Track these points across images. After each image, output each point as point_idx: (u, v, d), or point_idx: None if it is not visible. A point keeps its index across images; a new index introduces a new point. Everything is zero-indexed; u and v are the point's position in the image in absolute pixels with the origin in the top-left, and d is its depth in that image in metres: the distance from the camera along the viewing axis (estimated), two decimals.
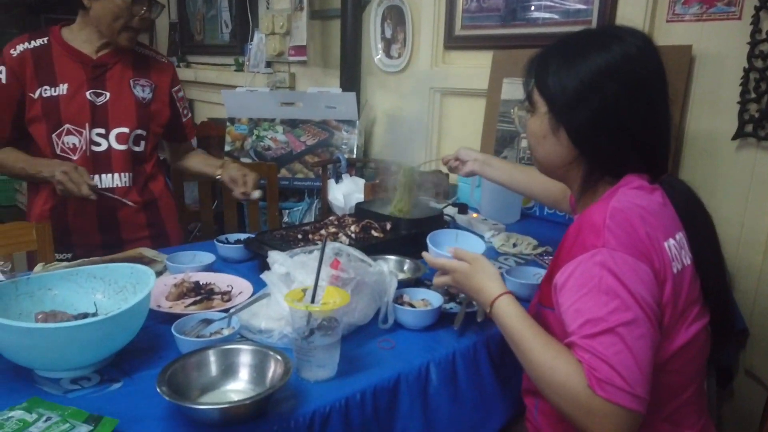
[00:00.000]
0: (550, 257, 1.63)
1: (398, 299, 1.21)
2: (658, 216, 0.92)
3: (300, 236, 1.51)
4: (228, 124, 2.99)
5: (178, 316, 1.13)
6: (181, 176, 2.26)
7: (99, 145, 1.67)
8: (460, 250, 1.09)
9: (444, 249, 1.21)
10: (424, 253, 1.18)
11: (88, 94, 1.64)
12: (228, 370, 0.94)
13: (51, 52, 1.64)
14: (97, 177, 1.67)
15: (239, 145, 2.97)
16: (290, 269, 1.13)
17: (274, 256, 1.18)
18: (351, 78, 2.94)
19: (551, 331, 0.97)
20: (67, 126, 1.63)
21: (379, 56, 2.88)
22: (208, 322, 1.08)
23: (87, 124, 1.64)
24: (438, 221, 1.69)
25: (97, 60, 1.66)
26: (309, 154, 2.87)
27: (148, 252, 1.56)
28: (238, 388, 0.93)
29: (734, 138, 1.68)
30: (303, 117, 2.89)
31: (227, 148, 2.95)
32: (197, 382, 0.92)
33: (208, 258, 1.46)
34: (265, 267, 1.49)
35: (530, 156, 2.24)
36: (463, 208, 2.03)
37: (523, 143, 2.26)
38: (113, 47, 1.67)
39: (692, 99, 1.79)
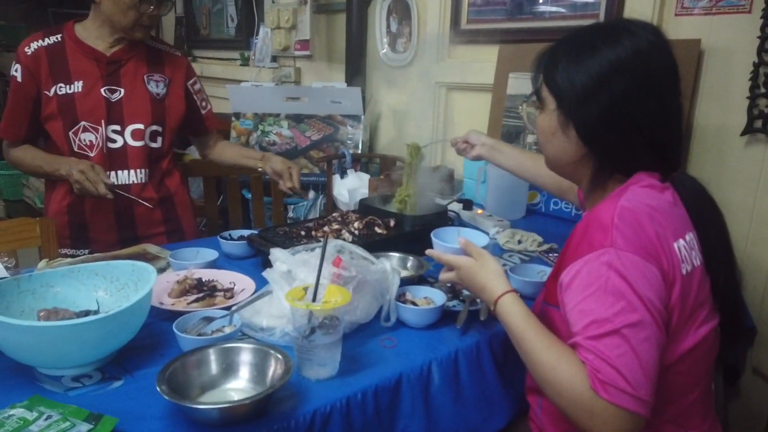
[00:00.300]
0: (556, 254, 1.62)
1: (401, 297, 1.20)
2: (668, 216, 0.91)
3: (303, 233, 1.50)
4: (233, 119, 2.99)
5: (180, 314, 1.13)
6: (187, 171, 2.25)
7: (115, 141, 1.67)
8: (470, 242, 1.08)
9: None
10: (429, 250, 1.17)
11: (102, 90, 1.64)
12: (228, 369, 0.94)
13: (65, 50, 1.64)
14: (113, 173, 1.67)
15: (244, 140, 2.96)
16: (292, 267, 1.12)
17: (276, 254, 1.18)
18: (356, 73, 2.92)
19: (556, 330, 0.96)
20: (83, 123, 1.63)
21: (384, 50, 2.86)
22: (209, 319, 1.07)
23: (102, 121, 1.64)
24: (442, 218, 1.68)
25: (110, 56, 1.66)
26: (314, 150, 2.86)
27: (152, 248, 1.56)
28: (239, 386, 0.93)
29: (743, 134, 1.65)
30: (308, 112, 2.88)
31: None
32: (197, 381, 0.91)
33: (211, 255, 1.45)
34: (268, 264, 1.48)
35: (537, 151, 2.23)
36: (467, 204, 2.01)
37: (529, 138, 2.24)
38: (126, 43, 1.66)
39: (701, 94, 1.77)
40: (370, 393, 0.96)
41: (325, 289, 1.02)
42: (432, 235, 1.22)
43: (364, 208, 1.71)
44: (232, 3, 3.92)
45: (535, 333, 0.93)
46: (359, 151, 2.84)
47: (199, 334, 1.04)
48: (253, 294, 1.24)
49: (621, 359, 0.80)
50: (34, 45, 1.63)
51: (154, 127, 1.72)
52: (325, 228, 1.51)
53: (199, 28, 4.35)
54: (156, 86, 1.72)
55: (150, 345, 1.07)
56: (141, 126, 1.69)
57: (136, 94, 1.69)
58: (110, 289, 1.13)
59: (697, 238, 0.96)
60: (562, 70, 0.96)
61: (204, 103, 1.88)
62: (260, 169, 1.81)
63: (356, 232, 1.51)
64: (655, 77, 0.92)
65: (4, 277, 1.27)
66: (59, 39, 1.65)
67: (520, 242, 1.71)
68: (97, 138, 1.64)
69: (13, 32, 5.18)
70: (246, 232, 1.62)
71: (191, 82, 1.82)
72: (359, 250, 1.20)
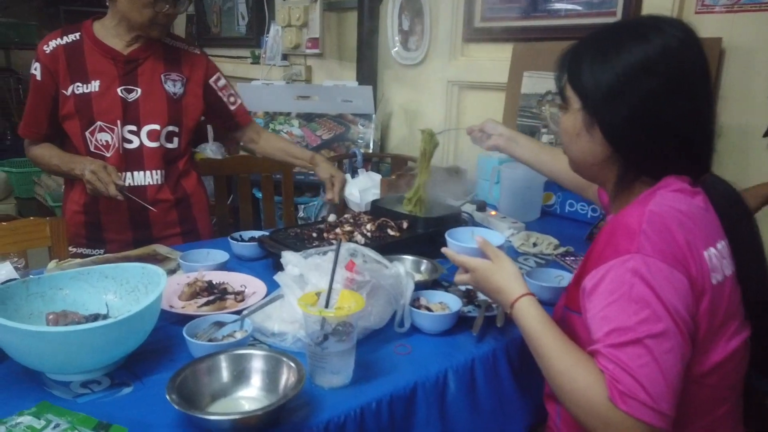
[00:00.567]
0: (572, 258, 1.59)
1: (415, 302, 1.18)
2: (698, 223, 0.87)
3: (315, 234, 1.48)
4: None
5: (190, 317, 1.11)
6: (197, 170, 2.24)
7: (131, 142, 1.65)
8: (488, 243, 1.06)
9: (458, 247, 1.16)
10: (444, 249, 1.14)
11: (119, 90, 1.62)
12: (240, 376, 0.92)
13: (83, 48, 1.62)
14: (129, 174, 1.65)
15: (237, 139, 2.94)
16: (304, 271, 1.10)
17: (288, 257, 1.15)
18: (367, 71, 2.90)
19: (577, 337, 0.93)
20: (99, 123, 1.61)
21: (396, 49, 2.83)
22: (220, 324, 1.05)
23: (119, 121, 1.62)
24: (456, 220, 1.65)
25: (128, 56, 1.64)
26: (325, 149, 2.84)
27: (162, 249, 1.54)
28: (250, 395, 0.90)
29: (765, 135, 1.61)
30: (319, 111, 2.85)
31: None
32: (208, 388, 0.89)
33: (222, 256, 1.43)
34: (279, 266, 1.46)
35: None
36: (481, 206, 1.98)
37: (544, 138, 2.20)
38: (144, 41, 1.64)
39: (722, 93, 1.73)
40: (385, 402, 0.94)
41: (338, 294, 0.99)
42: (446, 234, 1.19)
43: (376, 209, 1.68)
44: (243, 1, 3.91)
45: (552, 338, 0.90)
46: (370, 151, 2.82)
47: (210, 340, 1.01)
48: (264, 298, 1.22)
49: (642, 370, 0.78)
50: (53, 43, 1.61)
51: (171, 128, 1.70)
52: (337, 230, 1.49)
53: (209, 26, 4.34)
54: (173, 86, 1.70)
55: (160, 349, 1.05)
56: (157, 127, 1.67)
57: (153, 94, 1.67)
58: (120, 292, 1.11)
59: (729, 246, 0.92)
60: (587, 68, 0.93)
61: (232, 98, 1.84)
62: (311, 170, 1.83)
63: (368, 234, 1.49)
64: (685, 76, 0.89)
65: (14, 279, 1.26)
66: (77, 37, 1.63)
67: (535, 245, 1.68)
68: (113, 138, 1.63)
69: (25, 30, 5.19)
70: (257, 234, 1.60)
71: (213, 78, 1.78)
72: (372, 254, 1.17)
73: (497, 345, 1.12)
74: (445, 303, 1.20)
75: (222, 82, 1.81)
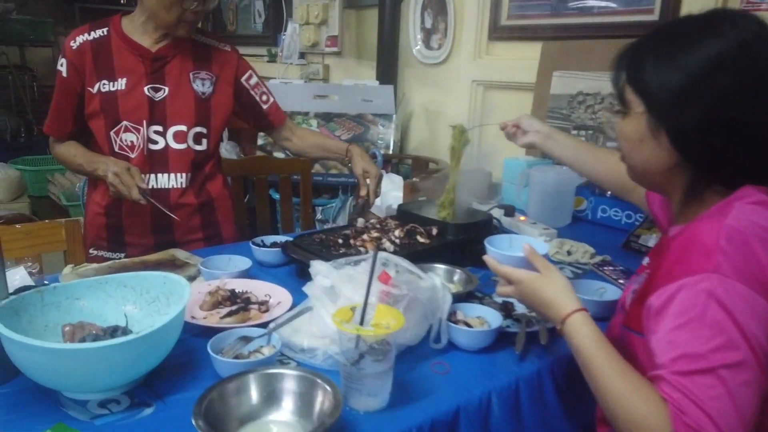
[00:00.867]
0: (611, 268, 1.51)
1: (451, 316, 1.10)
2: None
3: (341, 241, 1.41)
4: None
5: (213, 330, 1.05)
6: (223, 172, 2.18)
7: (156, 143, 1.59)
8: (535, 252, 0.98)
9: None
10: (485, 257, 1.06)
11: (146, 89, 1.56)
12: (270, 398, 0.85)
13: (110, 45, 1.56)
14: (153, 177, 1.59)
15: (271, 139, 2.88)
16: (336, 282, 1.03)
17: (318, 267, 1.08)
18: (388, 70, 2.83)
19: (636, 361, 0.86)
20: (124, 123, 1.55)
21: (418, 47, 2.76)
22: (247, 339, 0.98)
23: (144, 121, 1.56)
24: (487, 226, 1.57)
25: (156, 53, 1.57)
26: None
27: (181, 254, 1.48)
28: (282, 418, 0.83)
29: None
30: (338, 110, 2.79)
31: (260, 141, 2.87)
32: (236, 411, 0.82)
33: (244, 263, 1.37)
34: (304, 273, 1.39)
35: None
36: (509, 211, 1.91)
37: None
38: (172, 38, 1.58)
39: None
40: (426, 428, 0.87)
41: (374, 309, 0.92)
42: (486, 242, 1.11)
43: (403, 214, 1.61)
44: None
45: (608, 359, 0.83)
46: (390, 152, 2.75)
47: (236, 357, 0.94)
48: (290, 309, 1.15)
49: (713, 402, 0.70)
50: (80, 39, 1.55)
51: (198, 129, 1.62)
52: (365, 236, 1.42)
53: (225, 23, 4.29)
54: (202, 84, 1.62)
55: (182, 365, 0.98)
56: (183, 128, 1.60)
57: (181, 93, 1.60)
58: (140, 302, 1.05)
59: None
60: (651, 68, 0.85)
61: (265, 97, 1.77)
62: (348, 164, 1.74)
63: (397, 240, 1.41)
64: (763, 72, 0.80)
65: (28, 285, 1.20)
66: (105, 33, 1.57)
67: (569, 253, 1.60)
68: (138, 139, 1.56)
69: (41, 27, 5.17)
70: (279, 238, 1.53)
71: (245, 77, 1.71)
72: (405, 263, 1.10)
73: (541, 364, 1.04)
74: (484, 317, 1.12)
75: (254, 80, 1.74)
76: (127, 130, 1.55)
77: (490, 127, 2.54)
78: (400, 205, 1.68)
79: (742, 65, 0.79)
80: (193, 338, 1.07)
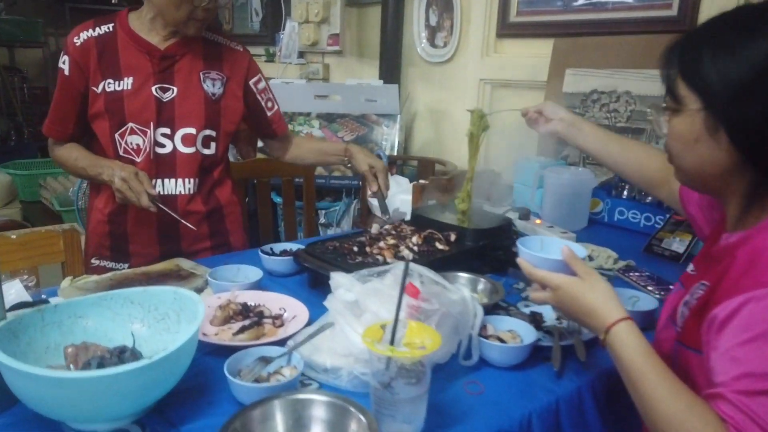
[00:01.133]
0: (637, 274, 1.44)
1: (481, 330, 1.03)
2: None
3: (356, 248, 1.33)
4: None
5: (227, 349, 0.97)
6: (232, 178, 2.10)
7: (163, 146, 1.50)
8: (575, 255, 0.91)
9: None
10: (519, 260, 0.99)
11: (154, 89, 1.47)
12: (297, 426, 0.77)
13: (116, 41, 1.47)
14: (159, 182, 1.51)
15: (267, 147, 2.80)
16: (360, 296, 0.96)
17: (339, 279, 1.01)
18: (391, 69, 2.76)
19: (691, 380, 0.80)
20: (130, 125, 1.46)
21: (422, 45, 2.69)
22: (266, 360, 0.91)
23: (152, 123, 1.47)
24: (507, 231, 1.51)
25: (164, 51, 1.48)
26: None
27: (185, 263, 1.40)
28: None
29: None
30: (340, 111, 2.71)
31: (260, 143, 2.79)
32: None
33: (255, 273, 1.29)
34: (317, 283, 1.33)
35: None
36: (524, 214, 1.84)
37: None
38: (181, 36, 1.49)
39: None
40: None
41: (405, 326, 0.85)
42: (519, 243, 1.04)
43: (417, 219, 1.54)
44: None
45: (658, 375, 0.76)
46: (395, 153, 2.68)
47: (256, 381, 0.87)
48: (307, 324, 1.08)
49: None
50: (84, 35, 1.46)
51: (207, 132, 1.54)
52: (381, 243, 1.34)
53: (221, 22, 4.20)
54: (212, 85, 1.54)
55: (195, 388, 0.91)
56: (192, 131, 1.51)
57: (190, 94, 1.51)
58: (148, 319, 0.97)
59: None
60: (709, 61, 0.78)
61: (270, 104, 1.68)
62: (350, 167, 1.66)
63: (415, 248, 1.34)
64: None
65: (26, 302, 1.12)
66: (111, 29, 1.48)
67: (591, 259, 1.53)
68: (144, 142, 1.48)
69: (31, 28, 5.06)
70: (289, 246, 1.46)
71: (254, 80, 1.62)
72: (430, 274, 1.03)
73: (581, 381, 0.97)
74: (515, 331, 1.05)
75: (262, 84, 1.65)
76: (133, 132, 1.47)
77: (498, 127, 2.48)
78: (413, 210, 1.60)
79: None
80: (204, 357, 0.99)
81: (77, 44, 1.45)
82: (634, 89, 1.92)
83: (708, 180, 0.86)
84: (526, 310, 1.19)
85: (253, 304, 1.16)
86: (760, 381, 0.68)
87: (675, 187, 1.22)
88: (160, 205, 1.38)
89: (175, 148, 1.51)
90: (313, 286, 1.33)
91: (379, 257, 1.28)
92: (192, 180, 1.54)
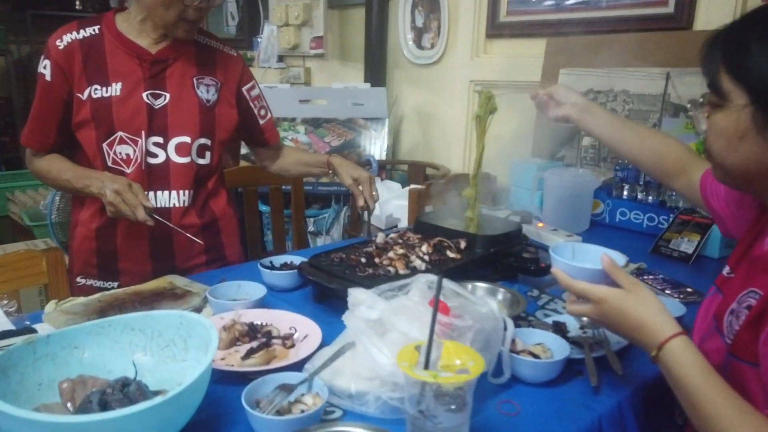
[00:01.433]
0: (650, 277, 1.40)
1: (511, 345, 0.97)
2: None
3: (364, 260, 1.26)
4: None
5: (240, 376, 0.89)
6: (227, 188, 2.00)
7: (156, 156, 1.40)
8: (617, 265, 0.86)
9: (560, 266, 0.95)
10: (555, 270, 0.92)
11: (145, 95, 1.37)
12: None
13: (103, 44, 1.37)
14: (151, 194, 1.41)
15: (255, 157, 2.71)
16: (385, 314, 0.88)
17: (359, 296, 0.93)
18: (377, 72, 2.70)
19: (746, 395, 0.75)
20: (120, 134, 1.36)
21: (408, 47, 2.63)
22: (287, 388, 0.83)
23: (143, 132, 1.37)
24: (517, 236, 1.45)
25: (156, 55, 1.39)
26: None
27: (179, 280, 1.31)
28: None
29: None
30: (327, 115, 2.63)
31: (243, 150, 2.70)
32: None
33: (258, 290, 1.21)
34: (322, 296, 1.25)
35: (593, 156, 2.01)
36: (526, 217, 1.79)
37: (585, 141, 2.02)
38: (173, 38, 1.40)
39: None
40: None
41: (440, 346, 0.78)
42: (551, 252, 0.98)
43: (423, 226, 1.47)
44: (233, 0, 3.66)
45: (722, 395, 0.72)
46: (383, 158, 2.61)
47: (278, 413, 0.79)
48: (320, 344, 1.01)
49: None
50: (67, 37, 1.35)
51: (203, 141, 1.45)
52: (390, 254, 1.27)
53: None
54: (206, 91, 1.45)
55: (210, 422, 0.83)
56: (187, 139, 1.42)
57: (183, 101, 1.42)
58: (151, 347, 0.89)
59: None
60: (759, 52, 0.73)
61: (263, 112, 1.60)
62: (331, 175, 1.58)
63: (426, 257, 1.28)
64: None
65: (10, 331, 1.02)
66: (97, 31, 1.38)
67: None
68: (135, 151, 1.38)
69: None
70: (290, 259, 1.38)
71: (247, 87, 1.54)
72: (452, 285, 0.96)
73: (621, 397, 0.91)
74: (544, 344, 0.99)
75: (256, 91, 1.57)
76: (122, 141, 1.37)
77: (493, 130, 2.43)
78: (419, 217, 1.54)
79: None
80: (214, 385, 0.90)
81: (60, 47, 1.35)
82: (632, 88, 1.89)
83: (753, 179, 0.81)
84: (548, 320, 1.13)
85: (259, 324, 1.08)
86: None
87: (694, 178, 1.16)
88: (158, 218, 1.29)
89: (168, 158, 1.42)
90: (319, 300, 1.26)
91: (391, 268, 1.21)
92: (187, 192, 1.45)
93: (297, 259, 1.36)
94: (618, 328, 0.85)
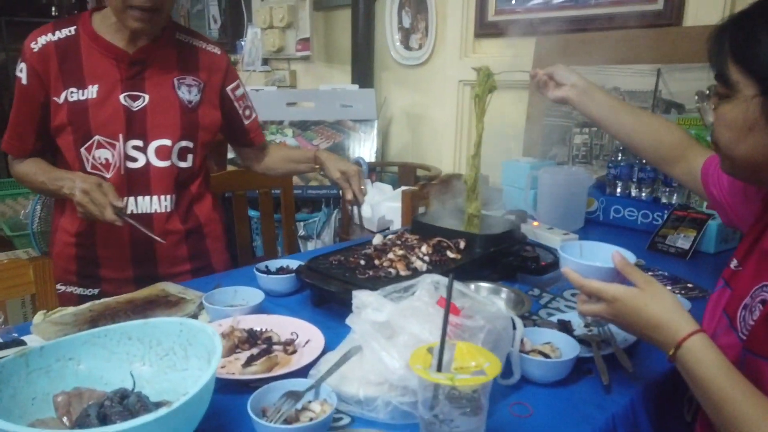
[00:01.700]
0: (650, 273, 1.39)
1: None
2: None
3: (363, 262, 1.23)
4: None
5: (243, 384, 0.86)
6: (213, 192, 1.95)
7: (135, 160, 1.36)
8: (629, 263, 0.84)
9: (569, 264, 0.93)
10: (566, 269, 0.91)
11: (122, 97, 1.33)
12: None
13: (79, 46, 1.32)
14: (132, 200, 1.36)
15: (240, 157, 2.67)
16: (393, 316, 0.86)
17: (364, 298, 0.91)
18: (364, 73, 2.68)
19: (764, 389, 0.73)
20: (97, 138, 1.32)
21: (396, 48, 2.61)
22: (295, 395, 0.80)
23: (121, 135, 1.33)
24: (516, 235, 1.44)
25: (133, 55, 1.34)
26: None
27: (172, 288, 1.27)
28: None
29: None
30: (315, 118, 2.60)
31: (230, 155, 2.65)
32: None
33: (255, 295, 1.18)
34: (321, 300, 1.23)
35: (585, 154, 2.00)
36: (521, 216, 1.78)
37: (577, 139, 2.02)
38: (152, 38, 1.35)
39: None
40: None
41: (453, 348, 0.76)
42: (560, 250, 0.96)
43: (420, 226, 1.45)
44: (215, 3, 3.62)
45: (744, 394, 0.71)
46: (373, 159, 2.59)
47: (286, 422, 0.76)
48: (323, 349, 0.98)
49: None
50: (42, 39, 1.31)
51: (184, 143, 1.40)
52: (390, 255, 1.25)
53: None
54: (188, 92, 1.40)
55: (212, 431, 0.79)
56: (168, 142, 1.38)
57: (164, 102, 1.38)
58: (149, 357, 0.85)
59: None
60: None
61: (248, 112, 1.56)
62: (323, 175, 1.53)
63: (426, 258, 1.25)
64: None
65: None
66: (72, 32, 1.33)
67: None
68: (114, 155, 1.34)
69: None
70: (286, 262, 1.35)
71: (232, 86, 1.50)
72: (459, 286, 0.93)
73: (632, 395, 0.90)
74: (552, 343, 0.98)
75: (240, 91, 1.53)
76: (100, 145, 1.33)
77: (484, 129, 2.41)
78: (415, 218, 1.52)
79: None
80: (214, 395, 0.87)
81: (35, 50, 1.31)
82: (623, 85, 1.89)
83: (760, 170, 0.80)
84: (553, 319, 1.12)
85: (259, 330, 1.05)
86: None
87: (694, 165, 1.15)
88: (128, 219, 1.24)
89: (148, 161, 1.37)
90: (317, 304, 1.23)
91: (391, 270, 1.19)
92: (168, 196, 1.40)
93: (293, 263, 1.33)
94: (633, 328, 0.83)
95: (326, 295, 1.18)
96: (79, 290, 1.43)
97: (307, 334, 1.04)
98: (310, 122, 2.62)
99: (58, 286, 1.43)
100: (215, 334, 0.80)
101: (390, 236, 1.39)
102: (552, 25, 2.05)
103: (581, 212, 1.84)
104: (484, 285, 1.19)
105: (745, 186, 1.00)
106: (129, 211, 1.36)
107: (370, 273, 1.18)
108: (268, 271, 1.32)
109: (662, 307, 0.79)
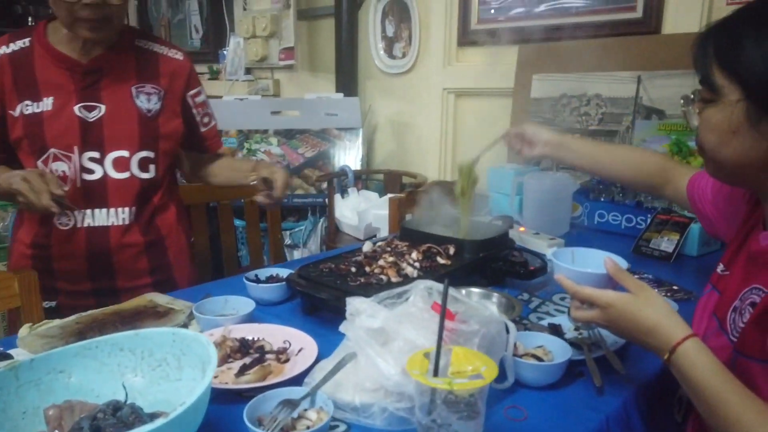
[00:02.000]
0: (636, 276, 1.41)
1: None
2: None
3: (354, 269, 1.23)
4: None
5: (237, 395, 0.85)
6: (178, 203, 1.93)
7: (92, 172, 1.34)
8: (622, 269, 0.85)
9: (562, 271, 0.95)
10: (559, 276, 0.92)
11: (77, 108, 1.31)
12: None
13: (33, 57, 1.30)
14: (89, 212, 1.34)
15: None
16: (388, 323, 0.86)
17: (358, 305, 0.91)
18: (348, 82, 2.68)
19: (755, 390, 0.75)
20: (53, 151, 1.30)
21: (380, 57, 2.63)
22: (291, 404, 0.80)
23: (76, 147, 1.31)
24: (505, 241, 1.45)
25: (88, 65, 1.32)
26: (308, 168, 2.58)
27: (160, 298, 1.26)
28: None
29: None
30: (300, 126, 2.60)
31: None
32: None
33: (245, 304, 1.17)
34: (312, 309, 1.22)
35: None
36: (507, 222, 1.79)
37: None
38: (107, 46, 1.33)
39: None
40: None
41: (449, 352, 0.76)
42: (553, 256, 0.97)
43: (409, 233, 1.46)
44: (196, 12, 3.60)
45: (740, 396, 0.72)
46: (358, 167, 2.59)
47: (282, 429, 0.76)
48: (317, 357, 0.97)
49: None
50: None
51: (144, 154, 1.38)
52: (381, 261, 1.25)
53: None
54: (147, 100, 1.38)
55: None
56: (125, 153, 1.35)
57: (121, 112, 1.35)
58: (141, 368, 0.84)
59: None
60: (752, 46, 0.74)
61: (206, 119, 1.54)
62: (254, 183, 1.42)
63: (417, 264, 1.26)
64: None
65: None
66: (27, 44, 1.31)
67: None
68: (70, 168, 1.32)
69: None
70: (275, 271, 1.34)
71: (192, 92, 1.47)
72: (451, 291, 0.94)
73: (625, 396, 0.91)
74: (545, 347, 0.99)
75: (201, 98, 1.50)
76: (56, 158, 1.30)
77: (468, 138, 2.44)
78: (403, 224, 1.52)
79: None
80: (209, 406, 0.86)
81: None
82: (604, 92, 1.92)
83: (746, 174, 0.82)
84: (543, 323, 1.13)
85: (251, 339, 1.04)
86: None
87: (680, 186, 1.20)
88: (65, 203, 1.19)
89: (105, 173, 1.35)
90: (309, 312, 1.22)
91: (383, 277, 1.19)
92: (126, 209, 1.38)
93: (283, 272, 1.33)
94: (627, 333, 0.84)
95: (318, 302, 1.18)
96: (43, 309, 1.39)
97: (300, 343, 1.04)
98: (295, 131, 2.61)
99: None
100: (209, 343, 0.79)
101: (380, 243, 1.39)
102: (534, 33, 2.08)
103: (566, 217, 1.86)
104: (475, 290, 1.19)
105: (728, 192, 1.02)
106: (85, 225, 1.34)
107: (362, 280, 1.19)
108: (258, 280, 1.31)
109: (655, 312, 0.80)
